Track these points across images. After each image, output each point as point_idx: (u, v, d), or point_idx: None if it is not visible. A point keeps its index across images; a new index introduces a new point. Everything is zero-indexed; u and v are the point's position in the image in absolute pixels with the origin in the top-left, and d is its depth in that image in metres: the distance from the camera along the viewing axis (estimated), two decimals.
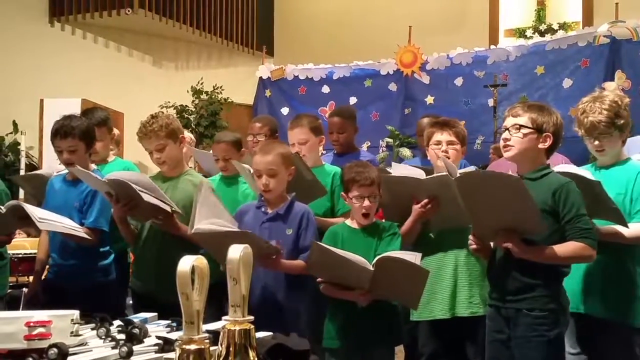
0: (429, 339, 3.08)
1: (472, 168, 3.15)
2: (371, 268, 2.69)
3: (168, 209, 3.02)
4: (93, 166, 3.42)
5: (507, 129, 2.63)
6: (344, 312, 2.90)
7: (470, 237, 2.68)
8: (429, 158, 3.33)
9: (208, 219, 2.77)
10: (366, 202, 2.91)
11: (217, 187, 3.48)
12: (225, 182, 3.79)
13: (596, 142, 2.85)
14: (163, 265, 2.98)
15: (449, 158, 3.10)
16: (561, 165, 3.02)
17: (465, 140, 3.27)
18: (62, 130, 3.24)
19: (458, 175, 2.64)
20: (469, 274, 2.98)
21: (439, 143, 3.18)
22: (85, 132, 3.28)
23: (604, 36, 6.98)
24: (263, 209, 3.03)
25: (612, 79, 6.82)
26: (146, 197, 2.93)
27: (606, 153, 2.88)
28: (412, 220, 2.98)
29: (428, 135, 3.26)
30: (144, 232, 3.25)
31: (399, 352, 3.39)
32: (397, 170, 3.14)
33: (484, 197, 2.48)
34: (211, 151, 4.08)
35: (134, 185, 2.93)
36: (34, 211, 3.13)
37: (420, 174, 2.99)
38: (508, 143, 2.62)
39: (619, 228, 2.77)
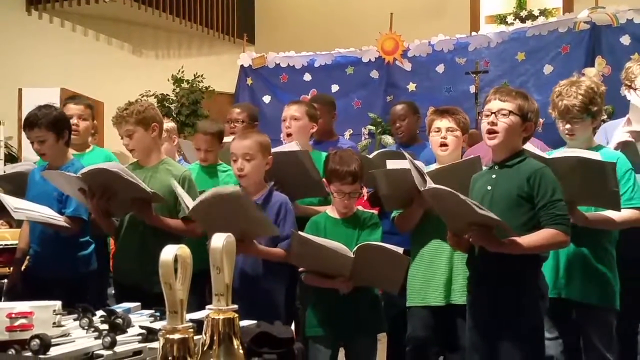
0: (419, 327, 3.08)
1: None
2: (351, 255, 2.71)
3: (149, 190, 2.97)
4: (71, 156, 3.39)
5: (494, 113, 2.58)
6: (326, 301, 2.92)
7: (448, 233, 2.68)
8: (430, 146, 3.34)
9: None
10: (346, 200, 2.93)
11: (196, 176, 3.46)
12: (205, 172, 3.77)
13: (567, 126, 2.88)
14: (145, 255, 2.98)
15: (447, 145, 3.13)
16: (565, 149, 2.91)
17: (467, 128, 3.28)
18: (29, 121, 3.22)
19: (426, 187, 2.61)
20: (464, 262, 2.94)
21: (438, 130, 3.18)
22: (54, 122, 3.22)
23: (584, 22, 6.99)
24: None
25: (593, 65, 6.84)
26: (126, 176, 2.88)
27: (576, 138, 2.90)
28: (414, 207, 3.01)
29: (429, 123, 3.28)
30: (124, 223, 3.21)
31: (382, 338, 3.41)
32: (392, 164, 3.11)
33: (453, 205, 2.48)
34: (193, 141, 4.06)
35: (112, 169, 2.89)
36: (9, 201, 3.10)
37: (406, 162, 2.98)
38: (494, 128, 2.58)
39: (610, 214, 2.78)
